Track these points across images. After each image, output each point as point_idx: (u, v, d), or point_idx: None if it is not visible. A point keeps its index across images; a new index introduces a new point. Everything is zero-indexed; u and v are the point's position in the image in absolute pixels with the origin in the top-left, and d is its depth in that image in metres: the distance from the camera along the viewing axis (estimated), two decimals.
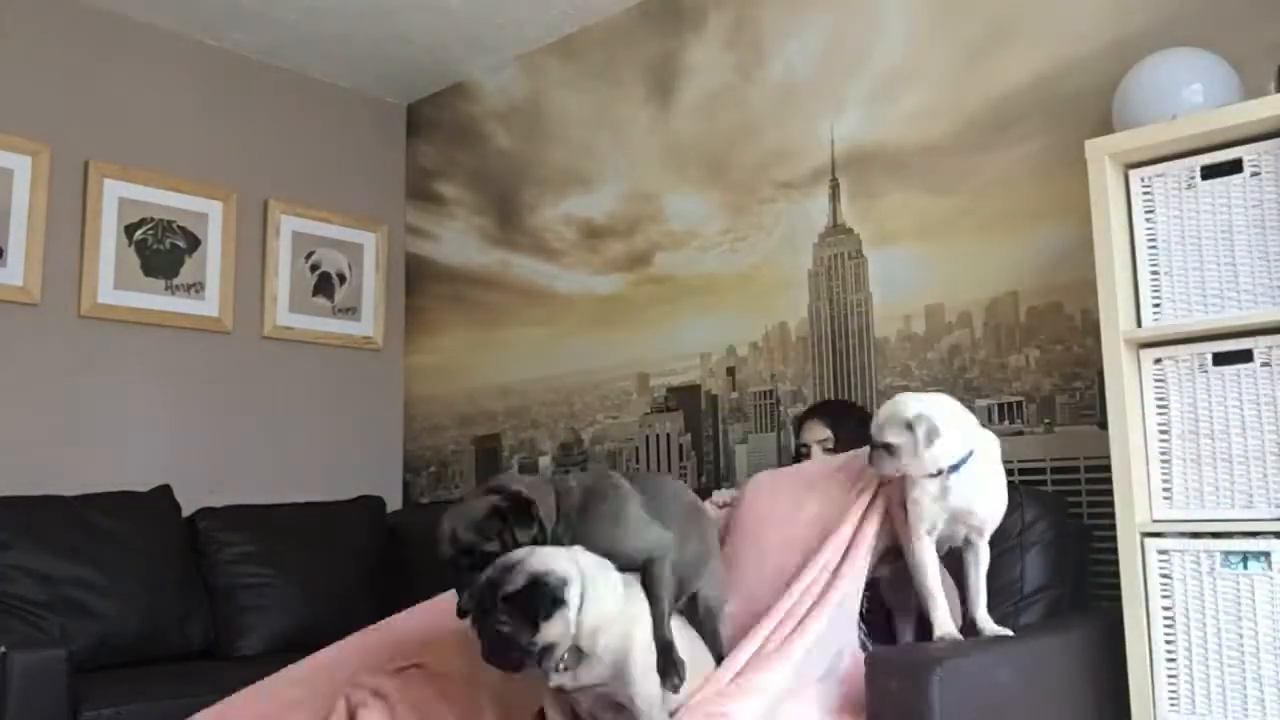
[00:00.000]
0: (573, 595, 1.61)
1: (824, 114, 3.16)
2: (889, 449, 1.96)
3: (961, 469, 1.96)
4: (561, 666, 1.63)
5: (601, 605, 1.65)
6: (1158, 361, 2.10)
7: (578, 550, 1.70)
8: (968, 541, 2.06)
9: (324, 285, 4.12)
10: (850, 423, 2.61)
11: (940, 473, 1.96)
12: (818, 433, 2.62)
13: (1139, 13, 2.57)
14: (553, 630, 1.58)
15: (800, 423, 2.73)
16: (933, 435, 1.92)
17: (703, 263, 3.44)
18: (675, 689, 1.72)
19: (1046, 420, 2.68)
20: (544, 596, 1.58)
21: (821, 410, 2.72)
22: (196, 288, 3.76)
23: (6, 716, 2.18)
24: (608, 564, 1.72)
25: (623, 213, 3.67)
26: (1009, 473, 2.70)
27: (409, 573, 3.53)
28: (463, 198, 4.22)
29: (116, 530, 3.04)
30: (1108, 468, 2.11)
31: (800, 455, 2.65)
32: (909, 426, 1.93)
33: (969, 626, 2.05)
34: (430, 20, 3.75)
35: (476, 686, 1.96)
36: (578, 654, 1.64)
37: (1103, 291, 2.12)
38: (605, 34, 3.76)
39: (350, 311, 4.19)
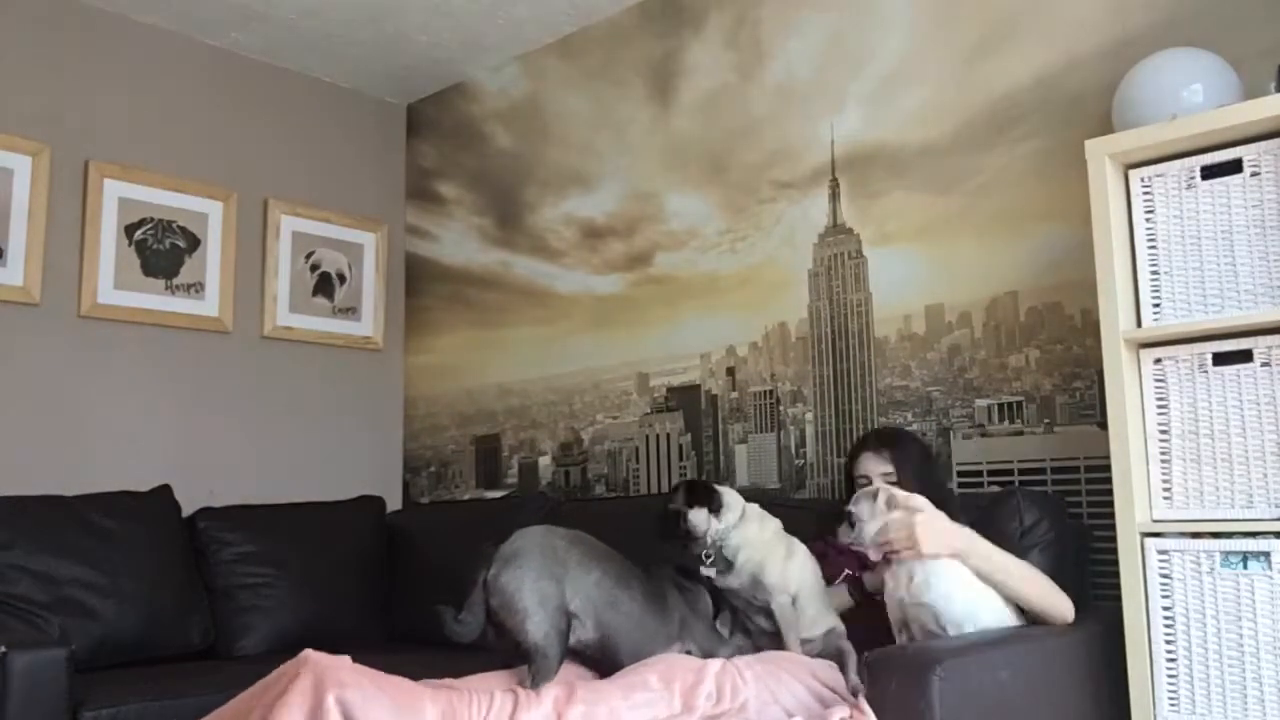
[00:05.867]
0: (728, 514, 2.20)
1: (824, 114, 3.16)
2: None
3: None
4: (708, 560, 2.17)
5: (747, 533, 2.19)
6: (1158, 361, 2.10)
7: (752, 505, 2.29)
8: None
9: (324, 285, 4.12)
10: (913, 454, 2.42)
11: None
12: (878, 466, 2.39)
13: (1139, 13, 2.57)
14: (699, 519, 2.18)
15: (854, 455, 2.48)
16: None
17: (703, 263, 3.44)
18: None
19: (1046, 420, 2.68)
20: (714, 499, 2.22)
21: (880, 440, 2.46)
22: (196, 288, 3.76)
23: (6, 716, 2.17)
24: (769, 516, 2.24)
25: (623, 213, 3.67)
26: (1009, 473, 2.73)
27: (409, 573, 3.53)
28: (463, 198, 4.22)
29: (116, 530, 3.04)
30: (1108, 468, 2.11)
31: (853, 489, 2.38)
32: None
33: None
34: (430, 20, 3.75)
35: None
36: (725, 561, 2.17)
37: (1103, 291, 2.12)
38: (605, 34, 3.76)
39: (350, 311, 4.19)
